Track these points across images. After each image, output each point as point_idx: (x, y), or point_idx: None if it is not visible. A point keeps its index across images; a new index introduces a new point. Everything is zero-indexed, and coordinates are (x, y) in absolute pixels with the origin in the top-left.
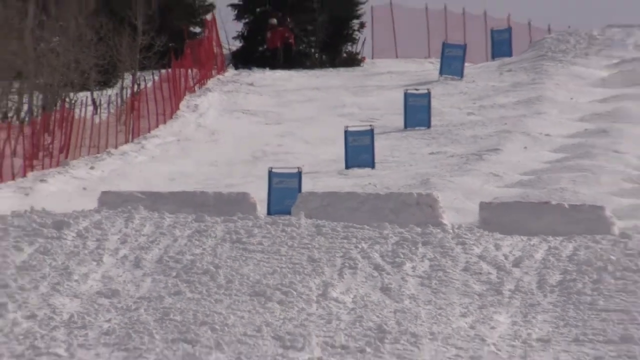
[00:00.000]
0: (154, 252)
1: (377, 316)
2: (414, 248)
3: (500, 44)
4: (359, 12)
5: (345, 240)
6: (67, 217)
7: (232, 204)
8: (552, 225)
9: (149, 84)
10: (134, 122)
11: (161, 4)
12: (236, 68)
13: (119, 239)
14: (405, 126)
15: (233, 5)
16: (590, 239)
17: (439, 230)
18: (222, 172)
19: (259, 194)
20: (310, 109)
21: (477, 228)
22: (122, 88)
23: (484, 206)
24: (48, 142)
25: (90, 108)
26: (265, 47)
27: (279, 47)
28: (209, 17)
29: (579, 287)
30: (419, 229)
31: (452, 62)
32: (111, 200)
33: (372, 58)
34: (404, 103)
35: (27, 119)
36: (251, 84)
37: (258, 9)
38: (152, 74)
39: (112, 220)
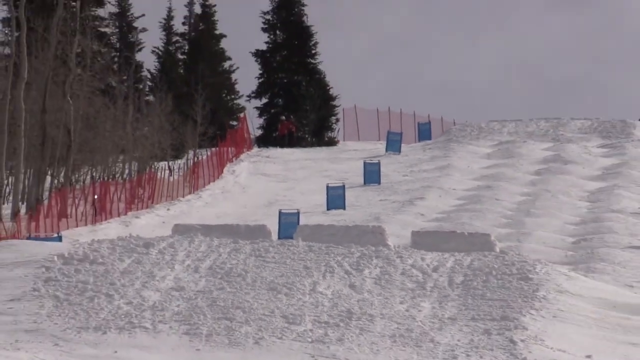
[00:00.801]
0: (207, 263)
1: (347, 303)
2: (370, 260)
3: (424, 132)
4: (335, 112)
5: (326, 255)
6: (152, 240)
7: (256, 232)
8: (457, 246)
9: (204, 157)
10: (194, 181)
11: (212, 107)
12: (259, 147)
13: (184, 254)
14: (364, 183)
15: (256, 107)
16: (481, 254)
17: (385, 249)
18: (249, 212)
19: (273, 226)
20: (304, 173)
21: (410, 247)
22: (187, 159)
23: (414, 234)
24: (141, 193)
25: (167, 172)
26: (277, 133)
27: (285, 134)
28: (241, 115)
29: (474, 284)
30: (373, 248)
31: (394, 143)
32: (180, 230)
33: (344, 140)
34: (363, 169)
35: (127, 178)
36: (268, 157)
37: (272, 110)
38: (206, 150)
39: (180, 242)
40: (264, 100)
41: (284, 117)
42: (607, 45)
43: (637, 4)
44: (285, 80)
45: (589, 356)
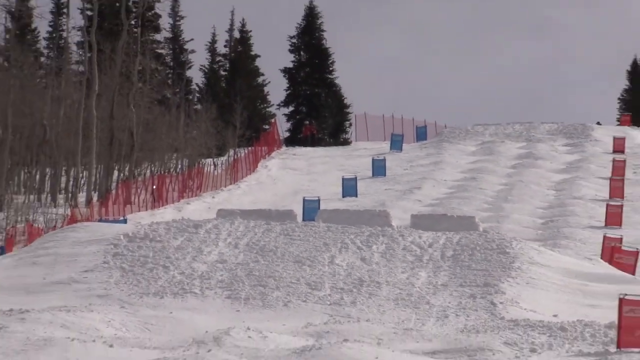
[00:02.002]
0: (244, 240)
1: (358, 273)
2: (377, 238)
3: (421, 134)
4: (349, 118)
5: (342, 234)
6: (200, 222)
7: (284, 216)
8: (448, 226)
9: (242, 155)
10: (234, 174)
11: (248, 114)
12: (286, 146)
13: (226, 233)
14: (373, 175)
15: (285, 114)
16: (467, 233)
17: (390, 229)
18: (279, 199)
19: (298, 210)
20: (324, 167)
21: (410, 228)
22: (228, 156)
23: (413, 216)
24: (191, 184)
25: (212, 167)
26: (301, 135)
27: (308, 136)
28: (272, 120)
29: (462, 258)
30: (379, 228)
31: (396, 143)
32: (223, 214)
33: (356, 141)
34: (372, 164)
35: (180, 172)
36: (294, 154)
37: (297, 116)
38: (244, 149)
39: (223, 224)
40: (291, 108)
41: (307, 122)
42: (566, 64)
43: (584, 35)
44: (308, 92)
45: (555, 315)
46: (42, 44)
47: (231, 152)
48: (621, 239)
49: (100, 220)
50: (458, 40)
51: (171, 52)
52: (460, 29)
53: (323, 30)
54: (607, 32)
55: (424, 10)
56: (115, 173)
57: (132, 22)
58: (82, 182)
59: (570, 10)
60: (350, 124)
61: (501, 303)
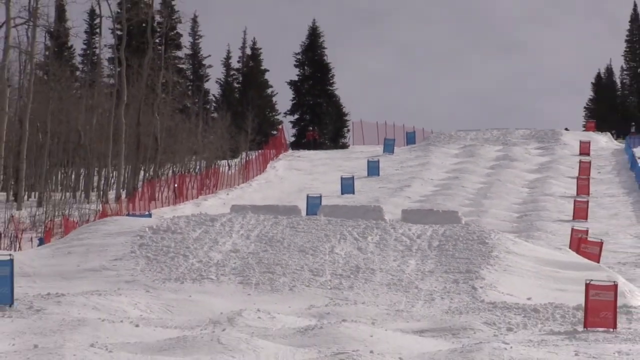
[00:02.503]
0: (255, 232)
1: (355, 261)
2: (372, 230)
3: (410, 138)
4: (347, 124)
5: (341, 227)
6: (216, 216)
7: (290, 211)
8: (434, 220)
9: (253, 157)
10: (246, 174)
11: (259, 121)
12: (292, 150)
13: (239, 226)
14: (368, 175)
15: (291, 121)
16: (451, 226)
17: (383, 222)
18: (285, 196)
19: (302, 206)
20: (325, 168)
21: (400, 221)
22: (241, 158)
23: (403, 211)
24: (208, 182)
25: (227, 168)
26: (305, 140)
27: (311, 140)
28: (280, 127)
29: (447, 247)
30: (374, 221)
31: (389, 146)
32: (236, 209)
33: (353, 145)
34: (367, 165)
35: (198, 172)
36: (299, 157)
37: (302, 123)
38: (255, 152)
39: (236, 217)
40: (296, 116)
41: (310, 128)
42: (537, 77)
43: (550, 54)
44: (311, 102)
45: (529, 298)
46: (78, 59)
47: (243, 154)
48: (587, 231)
49: (128, 215)
50: (441, 57)
51: (191, 66)
52: (444, 47)
53: (324, 48)
54: (575, 48)
55: (412, 32)
56: (142, 173)
57: (157, 41)
58: (112, 181)
59: (539, 31)
60: (348, 130)
61: (481, 287)
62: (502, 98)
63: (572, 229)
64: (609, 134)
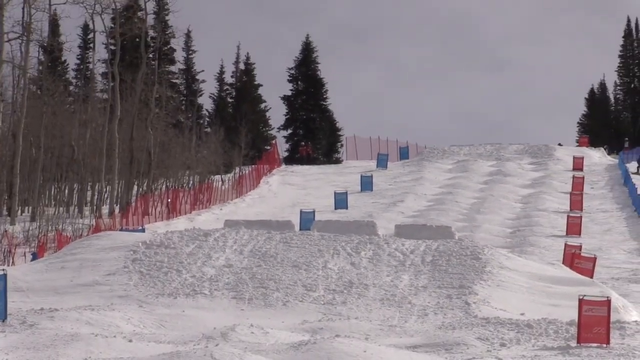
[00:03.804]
0: (248, 247)
1: (349, 276)
2: (365, 245)
3: (404, 153)
4: (340, 139)
5: (334, 242)
6: (209, 231)
7: (284, 226)
8: (427, 235)
9: (247, 172)
10: (239, 189)
11: (252, 136)
12: (285, 165)
13: (232, 241)
14: (361, 190)
15: (284, 136)
16: (445, 241)
17: (376, 237)
18: (279, 211)
19: (296, 221)
20: (318, 183)
21: (394, 236)
22: (234, 173)
23: (397, 226)
24: (201, 197)
25: (220, 183)
26: (298, 155)
27: (304, 155)
28: (273, 142)
29: (440, 263)
30: (367, 236)
31: (382, 161)
32: (229, 224)
33: (346, 160)
34: (360, 180)
35: (191, 187)
36: (292, 172)
37: (295, 138)
38: (248, 167)
39: (230, 232)
40: (289, 131)
41: (303, 143)
42: (530, 93)
43: (541, 71)
44: (304, 117)
45: (522, 314)
46: (71, 74)
47: (237, 169)
48: (580, 246)
49: (121, 230)
50: (432, 74)
51: (184, 81)
52: (435, 64)
53: (318, 63)
54: (567, 64)
55: (402, 49)
56: (135, 188)
57: (150, 56)
58: (106, 195)
59: (528, 49)
60: (342, 145)
61: (474, 303)
62: (494, 114)
63: (566, 245)
64: (602, 149)
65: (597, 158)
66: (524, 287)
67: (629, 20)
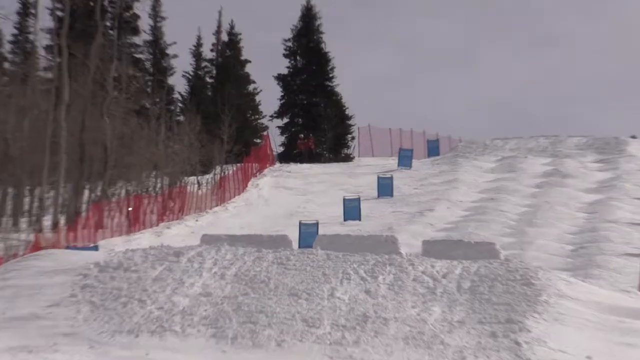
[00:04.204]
0: (232, 270)
1: (362, 307)
2: (383, 267)
3: (433, 149)
4: (351, 130)
5: (343, 263)
6: (182, 249)
7: (278, 242)
8: (464, 254)
9: (230, 172)
10: (221, 194)
11: (237, 126)
12: (280, 163)
13: (212, 262)
14: (378, 196)
15: (278, 127)
16: (487, 261)
17: (398, 257)
18: (272, 223)
19: (294, 236)
20: (322, 186)
21: (421, 255)
22: (214, 174)
23: (424, 242)
24: (172, 205)
25: (196, 186)
26: (296, 150)
27: (305, 150)
28: (265, 133)
29: (481, 290)
30: (386, 256)
31: (405, 159)
32: (207, 240)
33: (359, 157)
34: (377, 182)
35: (159, 192)
36: (289, 172)
37: (293, 129)
38: (232, 166)
39: (208, 251)
40: (285, 120)
41: (302, 135)
42: (596, 73)
43: (606, 46)
44: (304, 102)
45: (589, 357)
46: (7, 47)
47: (218, 169)
48: None
49: (68, 247)
50: (460, 52)
51: (151, 56)
52: (463, 41)
53: (322, 33)
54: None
55: (425, 23)
56: (86, 193)
57: (108, 24)
58: (48, 203)
59: (590, 19)
60: (353, 138)
61: (526, 343)
62: (546, 100)
63: None
64: None
65: None
66: (589, 321)
67: None
